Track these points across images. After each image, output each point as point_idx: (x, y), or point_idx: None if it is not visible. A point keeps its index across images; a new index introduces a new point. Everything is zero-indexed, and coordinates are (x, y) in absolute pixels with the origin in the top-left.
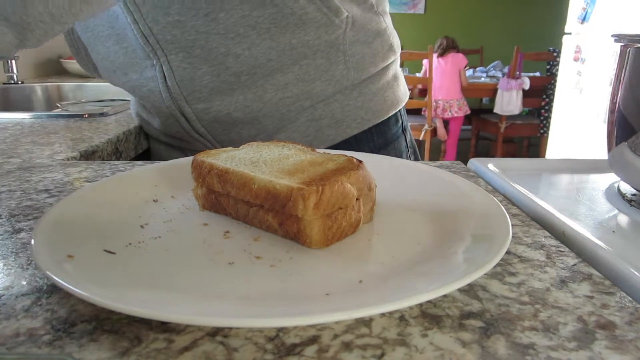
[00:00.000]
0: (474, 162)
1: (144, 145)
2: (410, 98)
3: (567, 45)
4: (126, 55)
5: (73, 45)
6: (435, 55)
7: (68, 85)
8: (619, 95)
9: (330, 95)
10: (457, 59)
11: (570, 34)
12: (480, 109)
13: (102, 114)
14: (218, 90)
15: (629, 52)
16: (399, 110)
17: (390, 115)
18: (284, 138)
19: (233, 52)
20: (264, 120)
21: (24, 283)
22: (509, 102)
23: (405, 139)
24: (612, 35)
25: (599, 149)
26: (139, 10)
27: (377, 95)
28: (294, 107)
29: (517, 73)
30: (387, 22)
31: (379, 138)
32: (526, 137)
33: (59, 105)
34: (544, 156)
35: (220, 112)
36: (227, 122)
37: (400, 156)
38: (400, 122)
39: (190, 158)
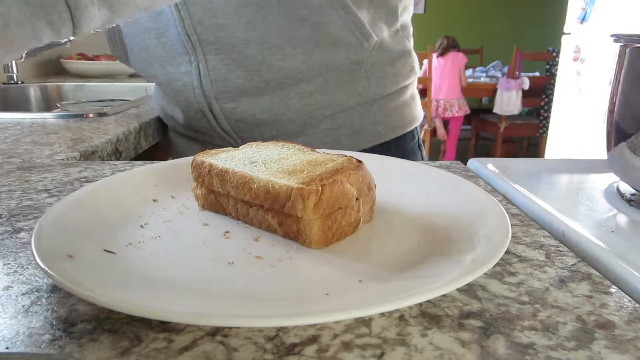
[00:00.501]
0: (474, 162)
1: (143, 145)
2: None
3: (567, 45)
4: (164, 49)
5: (109, 33)
6: (435, 55)
7: (68, 85)
8: (618, 95)
9: (350, 107)
10: (457, 58)
11: (569, 34)
12: (479, 109)
13: (102, 114)
14: (247, 93)
15: (628, 52)
16: (415, 128)
17: (407, 131)
18: (302, 142)
19: (267, 61)
20: (286, 123)
21: (24, 283)
22: (509, 102)
23: (421, 155)
24: (612, 35)
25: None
26: (187, 9)
27: (396, 111)
28: (316, 114)
29: (517, 73)
30: (411, 45)
31: (396, 152)
32: (526, 137)
33: (59, 105)
34: (543, 156)
35: (246, 113)
36: (252, 122)
37: None
38: (416, 138)
39: (190, 158)
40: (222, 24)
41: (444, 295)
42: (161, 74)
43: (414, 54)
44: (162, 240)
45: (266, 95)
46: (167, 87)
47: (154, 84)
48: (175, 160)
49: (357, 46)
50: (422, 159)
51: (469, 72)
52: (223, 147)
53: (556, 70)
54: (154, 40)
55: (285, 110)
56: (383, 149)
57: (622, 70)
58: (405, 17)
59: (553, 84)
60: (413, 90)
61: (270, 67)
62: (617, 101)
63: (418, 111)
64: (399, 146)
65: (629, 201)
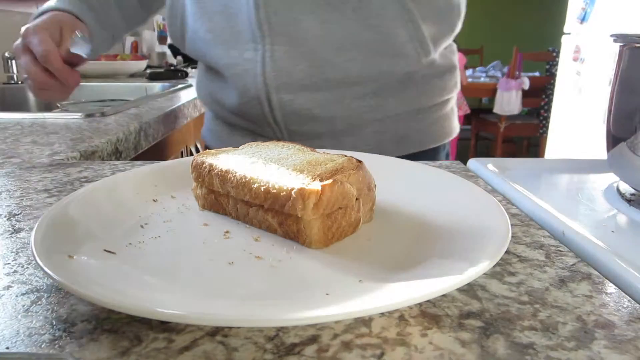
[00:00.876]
0: (474, 162)
1: (143, 145)
2: None
3: (567, 45)
4: (232, 34)
5: (172, 10)
6: None
7: None
8: (618, 95)
9: (398, 114)
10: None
11: (569, 34)
12: (479, 108)
13: (102, 114)
14: (306, 87)
15: (628, 52)
16: (448, 142)
17: (445, 142)
18: (349, 143)
19: (332, 60)
20: (337, 122)
21: (24, 283)
22: (509, 102)
23: None
24: (611, 35)
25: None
26: None
27: (437, 122)
28: (367, 116)
29: (517, 73)
30: (456, 61)
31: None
32: (525, 137)
33: (59, 105)
34: (543, 156)
35: (302, 106)
36: (306, 116)
37: None
38: (447, 149)
39: (190, 158)
40: (296, 18)
41: (444, 295)
42: (224, 58)
43: (458, 69)
44: (162, 240)
45: (324, 92)
46: (227, 71)
47: (194, 70)
48: (175, 160)
49: (415, 59)
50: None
51: (469, 72)
52: (268, 137)
53: (556, 70)
54: (223, 24)
55: (339, 108)
56: (420, 157)
57: (622, 70)
58: (456, 33)
59: (553, 84)
60: (453, 103)
61: (333, 66)
62: (617, 101)
63: (456, 124)
64: (433, 156)
65: (629, 201)
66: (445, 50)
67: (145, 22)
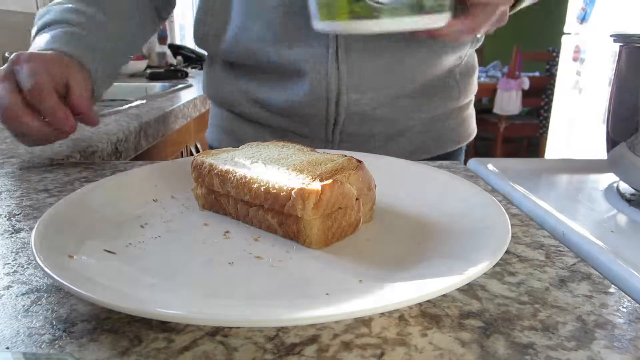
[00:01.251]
0: (474, 162)
1: (143, 145)
2: None
3: (567, 45)
4: (295, 29)
5: (208, 8)
6: None
7: None
8: (618, 95)
9: (440, 113)
10: None
11: (569, 34)
12: (479, 108)
13: (102, 114)
14: (374, 88)
15: (628, 52)
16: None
17: (468, 142)
18: (395, 145)
19: (402, 60)
20: (392, 121)
21: (24, 283)
22: (509, 102)
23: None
24: (611, 35)
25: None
26: None
27: (465, 121)
28: (417, 116)
29: (517, 73)
30: (477, 62)
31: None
32: (525, 137)
33: None
34: (543, 156)
35: (367, 106)
36: (369, 116)
37: None
38: (463, 152)
39: (190, 158)
40: None
41: (444, 295)
42: (285, 54)
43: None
44: (162, 240)
45: (387, 92)
46: (287, 66)
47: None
48: (175, 160)
49: (459, 52)
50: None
51: None
52: (309, 138)
53: (556, 70)
54: (283, 19)
55: (397, 109)
56: (450, 156)
57: (622, 70)
58: None
59: (553, 84)
60: (472, 105)
61: (401, 66)
62: (616, 101)
63: (474, 126)
64: (457, 156)
65: (628, 201)
66: (472, 48)
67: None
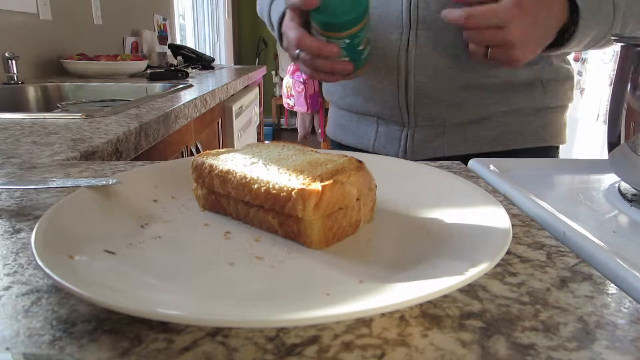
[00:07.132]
0: (474, 163)
1: (144, 145)
2: None
3: None
4: (378, 17)
5: None
6: None
7: (68, 85)
8: (619, 95)
9: (522, 107)
10: None
11: None
12: None
13: (102, 114)
14: (441, 74)
15: (629, 52)
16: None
17: (555, 145)
18: (471, 131)
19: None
20: (465, 108)
21: (24, 283)
22: None
23: None
24: (613, 35)
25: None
26: None
27: (557, 122)
28: (493, 107)
29: None
30: (573, 73)
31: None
32: None
33: (59, 105)
34: None
35: (435, 90)
36: (437, 99)
37: None
38: (557, 154)
39: (190, 158)
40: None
41: (444, 296)
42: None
43: (574, 80)
44: (163, 241)
45: (457, 79)
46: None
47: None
48: (175, 160)
49: (538, 66)
50: None
51: None
52: (394, 122)
53: None
54: (377, 10)
55: (469, 96)
56: (537, 155)
57: (623, 71)
58: None
59: None
60: (567, 114)
61: (468, 56)
62: (617, 101)
63: (565, 135)
64: (550, 155)
65: (630, 201)
66: (560, 61)
67: None
